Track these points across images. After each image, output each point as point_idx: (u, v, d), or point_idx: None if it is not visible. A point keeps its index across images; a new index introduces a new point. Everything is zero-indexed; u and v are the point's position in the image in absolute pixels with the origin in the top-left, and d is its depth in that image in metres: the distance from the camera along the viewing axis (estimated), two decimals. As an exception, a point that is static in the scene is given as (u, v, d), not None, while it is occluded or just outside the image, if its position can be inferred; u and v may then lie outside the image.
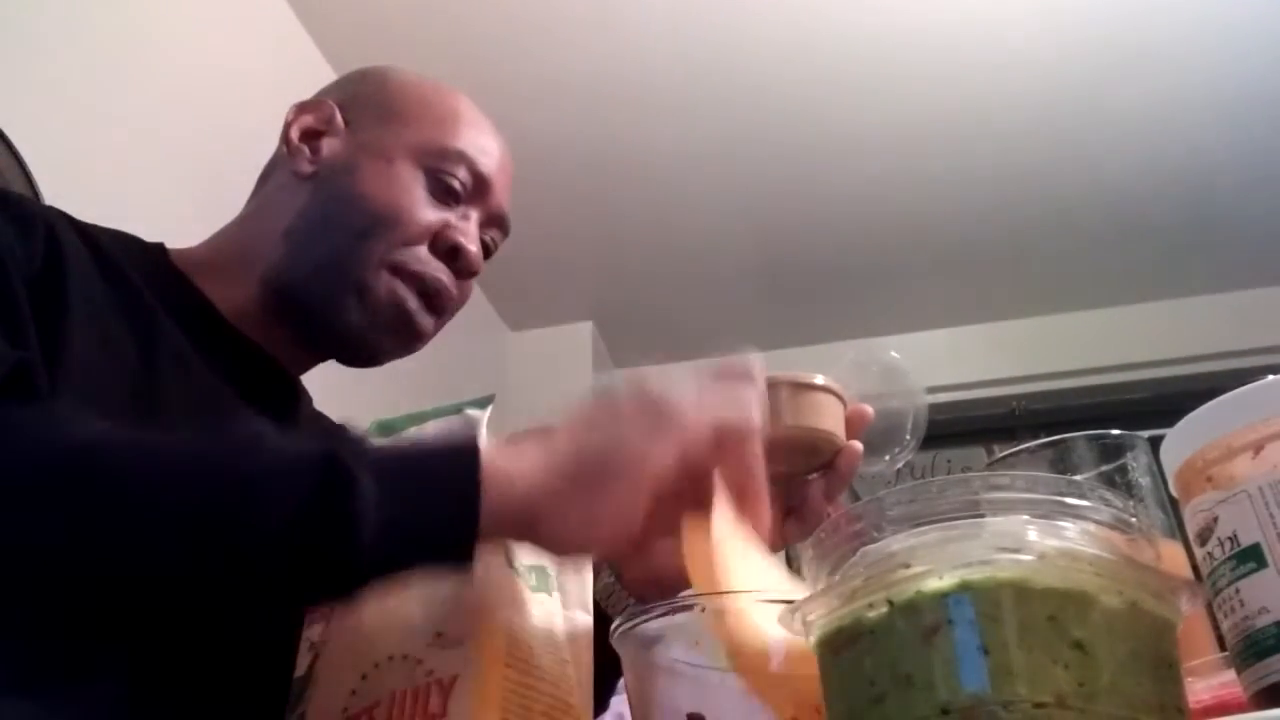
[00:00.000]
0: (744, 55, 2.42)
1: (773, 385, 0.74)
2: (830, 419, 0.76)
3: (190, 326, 0.82)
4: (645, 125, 2.58)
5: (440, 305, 0.90)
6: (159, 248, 0.89)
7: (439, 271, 0.88)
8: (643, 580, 0.77)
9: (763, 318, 3.21)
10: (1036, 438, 0.72)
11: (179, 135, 1.83)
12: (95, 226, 0.85)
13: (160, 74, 1.83)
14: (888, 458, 0.79)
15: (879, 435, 0.79)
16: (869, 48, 2.41)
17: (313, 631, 0.65)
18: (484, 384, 2.92)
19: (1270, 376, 0.51)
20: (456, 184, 0.89)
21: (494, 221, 0.94)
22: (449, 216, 0.89)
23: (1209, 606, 0.52)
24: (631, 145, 2.63)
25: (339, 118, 0.92)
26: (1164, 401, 2.93)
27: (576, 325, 3.27)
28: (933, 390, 3.39)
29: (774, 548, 0.81)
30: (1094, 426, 0.71)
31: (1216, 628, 0.53)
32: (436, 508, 0.55)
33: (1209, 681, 0.54)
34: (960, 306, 3.26)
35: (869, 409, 0.80)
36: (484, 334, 3.16)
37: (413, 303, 0.87)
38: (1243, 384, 0.51)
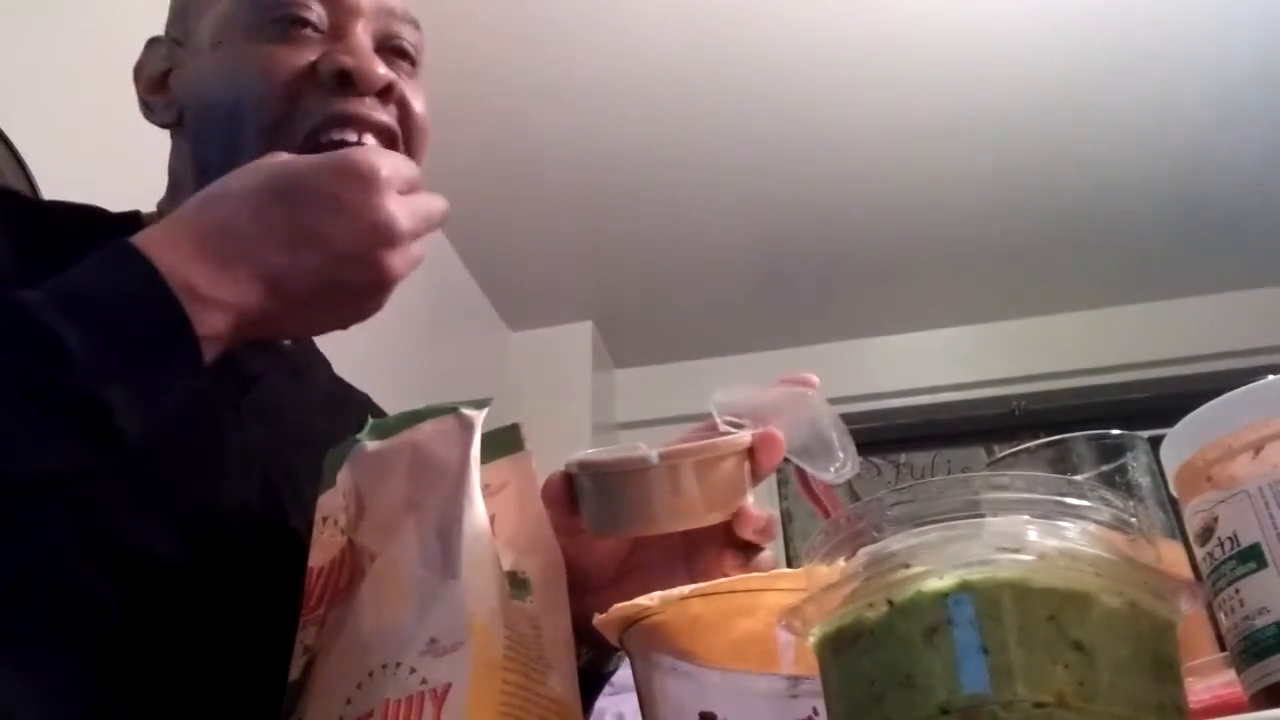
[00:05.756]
0: (745, 56, 2.42)
1: (673, 466, 0.62)
2: (736, 485, 0.65)
3: None
4: (645, 125, 2.58)
5: (372, 131, 0.75)
6: (131, 216, 0.83)
7: (342, 106, 0.74)
8: None
9: (763, 317, 3.20)
10: (1036, 438, 0.72)
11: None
12: (52, 203, 0.81)
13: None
14: (833, 470, 0.68)
15: (807, 456, 0.67)
16: (868, 49, 2.41)
17: (306, 634, 0.64)
18: (484, 384, 2.93)
19: (1270, 376, 0.51)
20: (297, 10, 0.75)
21: (382, 14, 0.78)
22: (317, 51, 0.75)
23: (1209, 606, 0.52)
24: (632, 145, 2.63)
25: (171, 47, 0.82)
26: (1164, 401, 2.93)
27: (576, 325, 3.26)
28: (933, 390, 3.39)
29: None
30: (1094, 426, 0.71)
31: (1216, 628, 0.53)
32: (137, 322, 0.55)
33: (1209, 681, 0.54)
34: (960, 306, 3.25)
35: (776, 434, 0.66)
36: (484, 334, 3.16)
37: (336, 134, 0.73)
38: (1243, 384, 0.51)
